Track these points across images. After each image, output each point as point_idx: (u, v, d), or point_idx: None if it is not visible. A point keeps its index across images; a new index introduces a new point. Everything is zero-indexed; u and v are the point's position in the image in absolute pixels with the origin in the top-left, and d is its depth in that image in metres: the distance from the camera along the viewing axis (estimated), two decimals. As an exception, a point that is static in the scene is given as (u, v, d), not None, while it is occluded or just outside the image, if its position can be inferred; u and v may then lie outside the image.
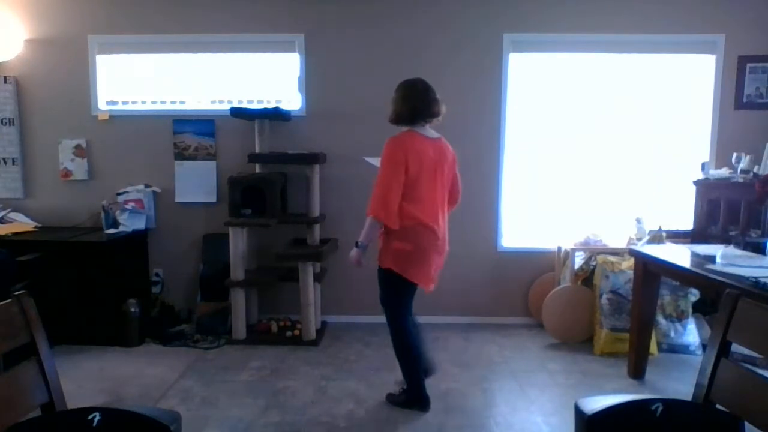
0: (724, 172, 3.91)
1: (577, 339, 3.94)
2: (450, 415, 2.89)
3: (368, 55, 4.22)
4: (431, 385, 3.03)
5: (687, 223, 4.14)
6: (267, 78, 4.35)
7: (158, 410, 1.60)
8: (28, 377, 1.60)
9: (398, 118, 2.82)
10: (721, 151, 4.19)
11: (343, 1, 4.20)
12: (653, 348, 3.57)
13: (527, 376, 3.40)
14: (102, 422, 1.52)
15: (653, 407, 1.59)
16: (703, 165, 4.10)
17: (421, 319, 4.21)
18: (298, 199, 4.23)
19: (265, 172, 4.13)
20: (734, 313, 1.66)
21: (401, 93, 2.82)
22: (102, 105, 4.35)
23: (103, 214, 4.06)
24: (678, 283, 3.65)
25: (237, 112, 4.04)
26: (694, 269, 2.77)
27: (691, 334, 3.79)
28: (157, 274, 4.41)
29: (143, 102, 4.37)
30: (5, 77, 4.29)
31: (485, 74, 4.24)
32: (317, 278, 4.03)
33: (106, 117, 4.33)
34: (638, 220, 4.09)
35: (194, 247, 4.39)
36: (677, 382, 3.30)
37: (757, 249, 3.13)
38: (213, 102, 4.36)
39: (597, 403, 1.61)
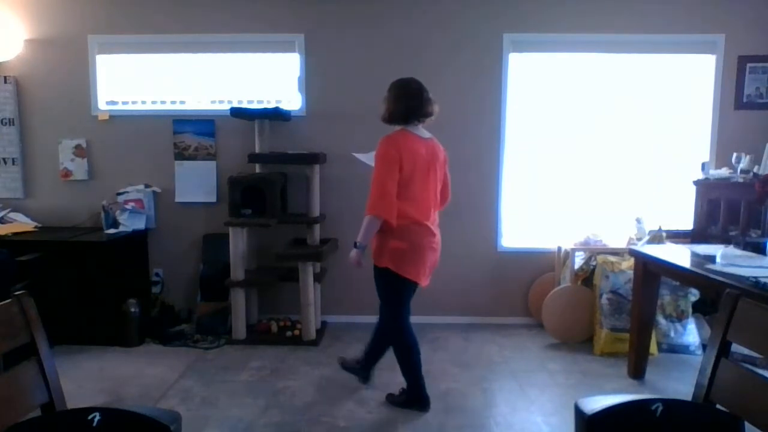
0: (724, 172, 3.91)
1: (577, 339, 3.94)
2: (450, 415, 2.90)
3: (368, 55, 4.23)
4: (431, 385, 3.03)
5: (687, 223, 4.14)
6: (267, 78, 4.35)
7: (158, 410, 1.60)
8: (28, 377, 1.60)
9: (392, 118, 2.83)
10: (721, 151, 4.19)
11: (343, 1, 4.20)
12: (653, 348, 3.57)
13: (527, 376, 3.40)
14: (102, 422, 1.52)
15: (653, 407, 1.59)
16: (703, 165, 4.10)
17: (422, 319, 4.24)
18: (298, 199, 4.23)
19: (265, 172, 4.13)
20: (734, 313, 1.66)
21: (394, 92, 2.83)
22: (102, 105, 4.35)
23: (103, 214, 4.06)
24: (678, 283, 3.65)
25: (237, 112, 4.04)
26: (694, 269, 2.77)
27: (691, 334, 3.79)
28: (157, 274, 4.41)
29: (143, 102, 4.37)
30: (5, 77, 4.29)
31: (485, 74, 4.24)
32: (317, 278, 4.03)
33: (106, 117, 4.33)
34: (638, 220, 4.09)
35: (194, 247, 4.39)
36: (677, 382, 3.30)
37: (757, 249, 3.13)
38: (213, 102, 4.36)
39: (597, 403, 1.61)
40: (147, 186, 4.33)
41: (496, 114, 4.26)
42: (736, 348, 1.75)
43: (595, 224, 4.27)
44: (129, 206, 4.18)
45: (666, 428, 1.59)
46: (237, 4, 4.21)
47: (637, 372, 3.36)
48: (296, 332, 4.00)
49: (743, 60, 4.19)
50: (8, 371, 1.59)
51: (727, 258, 2.83)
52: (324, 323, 4.30)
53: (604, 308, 3.79)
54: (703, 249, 3.07)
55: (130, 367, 3.51)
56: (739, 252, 3.05)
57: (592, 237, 4.17)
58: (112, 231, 4.01)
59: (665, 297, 3.78)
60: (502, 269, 4.37)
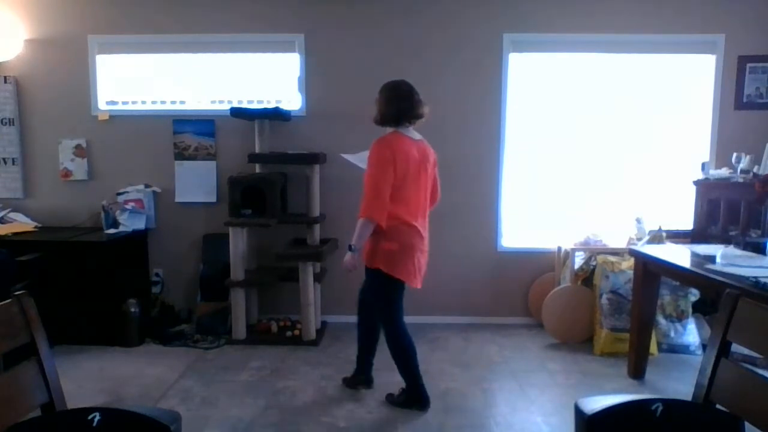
0: (724, 172, 3.91)
1: (577, 339, 3.94)
2: (450, 415, 2.90)
3: (368, 55, 4.22)
4: (431, 385, 3.03)
5: (687, 223, 4.14)
6: (267, 78, 4.35)
7: (158, 410, 1.60)
8: (28, 377, 1.60)
9: (383, 120, 2.86)
10: (721, 151, 4.19)
11: (343, 1, 4.20)
12: (653, 348, 3.57)
13: (527, 376, 3.40)
14: (102, 422, 1.52)
15: (653, 407, 1.59)
16: (703, 165, 4.10)
17: (422, 319, 4.25)
18: (298, 199, 4.23)
19: (265, 172, 4.13)
20: (734, 313, 1.66)
21: (385, 95, 2.86)
22: (102, 105, 4.35)
23: (103, 214, 4.06)
24: (678, 283, 3.65)
25: (237, 112, 4.04)
26: (694, 269, 2.77)
27: (691, 334, 3.79)
28: (157, 274, 4.41)
29: (143, 102, 4.37)
30: (5, 77, 4.29)
31: (485, 74, 4.24)
32: (317, 278, 4.03)
33: (106, 117, 4.33)
34: (638, 220, 4.09)
35: (194, 247, 4.39)
36: (677, 382, 3.30)
37: (757, 249, 3.13)
38: (213, 102, 4.36)
39: (597, 403, 1.61)
40: (147, 186, 4.33)
41: (496, 114, 4.26)
42: (736, 348, 1.75)
43: (595, 224, 4.27)
44: (129, 206, 4.18)
45: (666, 428, 1.59)
46: (237, 4, 4.21)
47: (637, 372, 3.36)
48: (296, 332, 4.00)
49: (743, 60, 4.19)
50: (8, 371, 1.59)
51: (727, 258, 2.83)
52: (324, 323, 4.30)
53: (604, 308, 3.79)
54: (703, 249, 3.07)
55: (130, 367, 3.51)
56: (739, 252, 3.05)
57: (592, 237, 4.17)
58: (112, 231, 4.01)
59: (665, 297, 3.78)
60: (502, 269, 4.37)
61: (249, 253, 4.11)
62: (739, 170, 3.81)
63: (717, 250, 2.96)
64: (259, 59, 4.33)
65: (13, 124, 4.33)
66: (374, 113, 2.88)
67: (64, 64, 4.28)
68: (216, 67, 4.34)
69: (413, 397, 2.93)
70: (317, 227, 4.10)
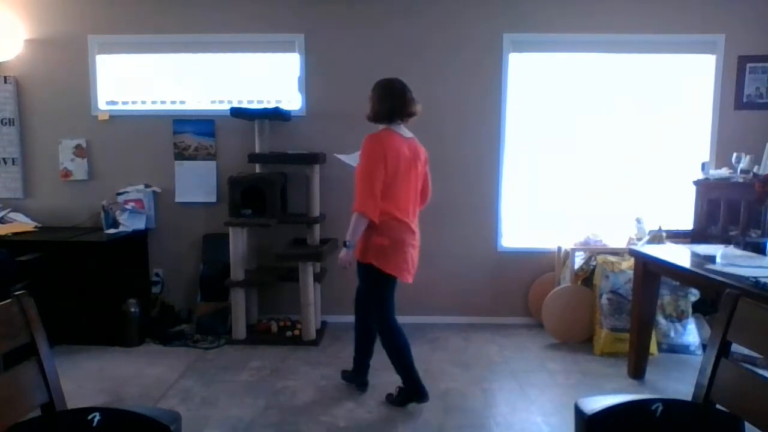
0: (724, 172, 3.91)
1: (577, 339, 3.94)
2: (450, 415, 2.90)
3: (368, 55, 4.22)
4: (431, 384, 3.03)
5: (687, 223, 4.14)
6: (267, 78, 4.35)
7: (158, 410, 1.60)
8: (28, 377, 1.60)
9: (376, 117, 2.90)
10: (721, 151, 4.19)
11: (343, 1, 4.20)
12: (653, 348, 3.57)
13: (527, 376, 3.40)
14: (102, 422, 1.52)
15: (653, 407, 1.59)
16: (703, 165, 4.10)
17: (422, 319, 4.26)
18: (298, 199, 4.24)
19: (265, 172, 4.13)
20: (734, 313, 1.66)
21: (379, 92, 2.90)
22: (102, 105, 4.35)
23: (103, 214, 4.06)
24: (678, 283, 3.65)
25: (237, 112, 4.04)
26: (694, 269, 2.77)
27: (691, 334, 3.79)
28: (157, 274, 4.41)
29: (143, 102, 4.37)
30: (5, 77, 4.29)
31: (485, 74, 4.24)
32: (317, 278, 4.03)
33: (106, 117, 4.33)
34: (638, 220, 4.09)
35: (194, 247, 4.39)
36: (677, 382, 3.30)
37: (757, 249, 3.13)
38: (213, 102, 4.36)
39: (597, 403, 1.61)
40: (147, 186, 4.33)
41: (496, 114, 4.26)
42: (736, 348, 1.75)
43: (595, 224, 4.27)
44: (129, 206, 4.18)
45: (666, 428, 1.59)
46: (237, 4, 4.21)
47: (637, 372, 3.36)
48: (296, 332, 4.00)
49: (743, 60, 4.19)
50: (8, 371, 1.59)
51: (727, 258, 2.83)
52: (324, 323, 4.30)
53: (604, 308, 3.79)
54: (703, 249, 3.07)
55: (130, 367, 3.51)
56: (739, 252, 3.05)
57: (592, 237, 4.17)
58: (112, 231, 4.01)
59: (665, 297, 3.78)
60: (502, 269, 4.37)
61: (249, 253, 4.11)
62: (739, 170, 3.81)
63: (717, 250, 2.96)
64: (259, 59, 4.33)
65: (13, 124, 4.33)
66: (367, 110, 2.92)
67: (64, 64, 4.28)
68: (216, 67, 4.34)
69: (410, 390, 2.94)
70: (317, 227, 4.10)
